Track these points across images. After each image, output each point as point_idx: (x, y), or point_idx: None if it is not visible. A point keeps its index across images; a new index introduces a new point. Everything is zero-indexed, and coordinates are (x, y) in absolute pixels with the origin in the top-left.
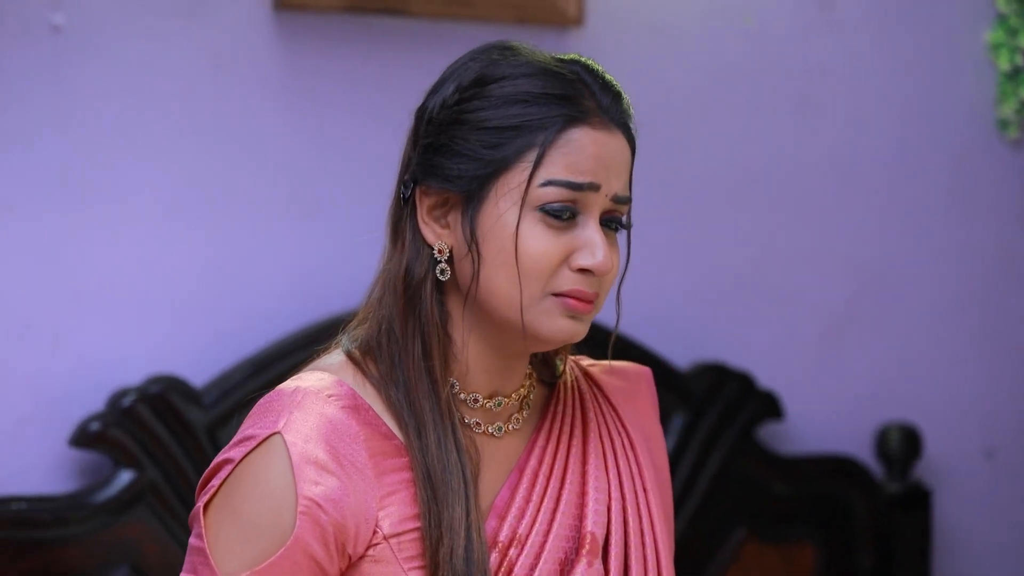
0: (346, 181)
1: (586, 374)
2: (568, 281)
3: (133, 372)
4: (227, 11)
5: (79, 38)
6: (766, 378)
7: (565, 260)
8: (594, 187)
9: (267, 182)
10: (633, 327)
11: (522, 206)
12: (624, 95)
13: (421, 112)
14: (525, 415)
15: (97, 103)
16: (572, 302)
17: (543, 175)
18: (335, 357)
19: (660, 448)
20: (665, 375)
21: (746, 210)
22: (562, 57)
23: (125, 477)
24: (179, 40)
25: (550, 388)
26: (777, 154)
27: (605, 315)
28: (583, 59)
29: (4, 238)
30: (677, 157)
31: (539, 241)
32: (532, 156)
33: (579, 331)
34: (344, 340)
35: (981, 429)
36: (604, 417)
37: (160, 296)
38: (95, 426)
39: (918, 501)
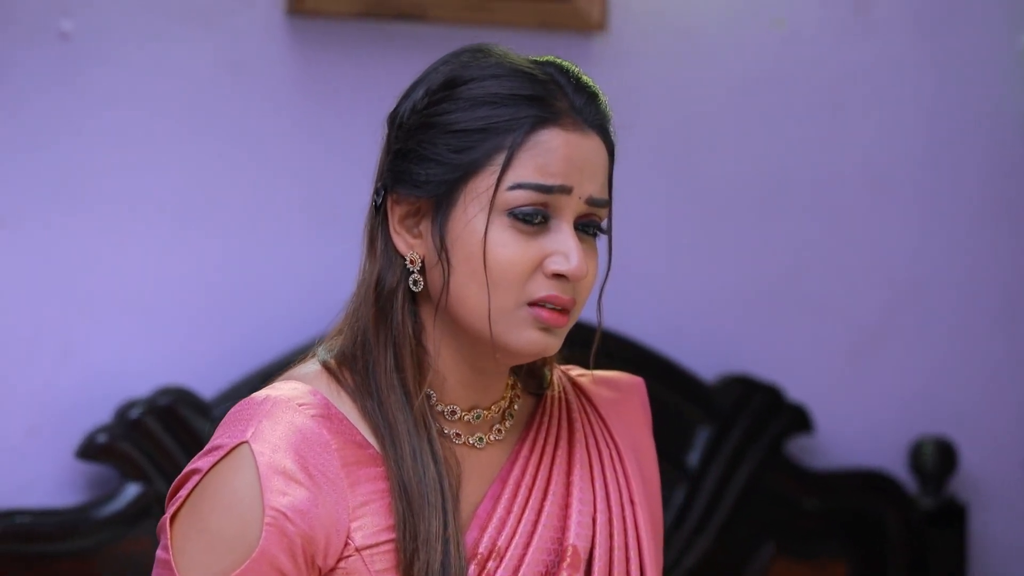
0: (360, 189)
1: (575, 384)
2: (543, 287)
3: (142, 383)
4: (240, 16)
5: (88, 44)
6: (795, 390)
7: (538, 267)
8: (565, 190)
9: (280, 190)
10: (657, 338)
11: (490, 211)
12: (601, 96)
13: (392, 118)
14: (508, 426)
15: (106, 110)
16: (546, 314)
17: (511, 178)
18: (310, 366)
19: (650, 460)
20: (690, 387)
21: (776, 218)
22: (537, 59)
23: (132, 490)
24: (191, 46)
25: (537, 399)
26: (809, 160)
27: (621, 322)
28: (559, 60)
29: (12, 247)
30: (705, 164)
31: (508, 248)
32: (500, 159)
33: (551, 344)
34: (320, 350)
35: (1018, 442)
36: (592, 428)
37: (170, 306)
38: (102, 438)
39: (953, 517)
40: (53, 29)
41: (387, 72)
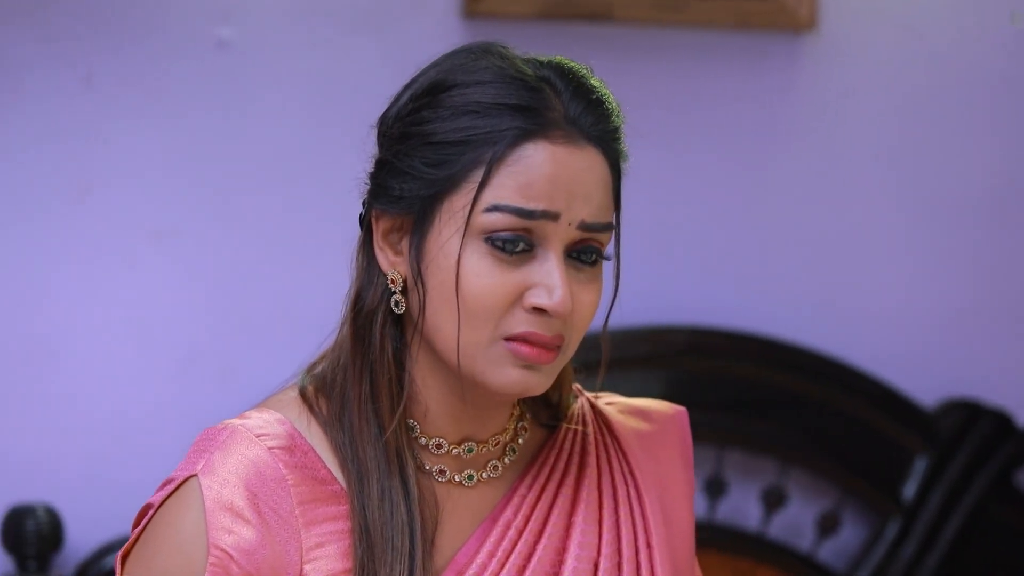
0: None
1: (599, 414)
2: (521, 322)
3: None
4: (411, 21)
5: (248, 54)
6: None
7: (517, 299)
8: (550, 215)
9: None
10: (871, 358)
11: (464, 234)
12: (609, 102)
13: (380, 123)
14: (507, 462)
15: (268, 123)
16: (525, 350)
17: (489, 198)
18: (289, 393)
19: (680, 499)
20: (907, 413)
21: (1012, 229)
22: (540, 60)
23: None
24: (358, 53)
25: (551, 431)
26: None
27: (829, 341)
28: (564, 62)
29: (168, 262)
30: (933, 172)
31: (483, 278)
32: (478, 175)
33: (534, 383)
34: (301, 375)
35: None
36: (609, 463)
37: (331, 324)
38: None
39: None
40: (210, 37)
41: None
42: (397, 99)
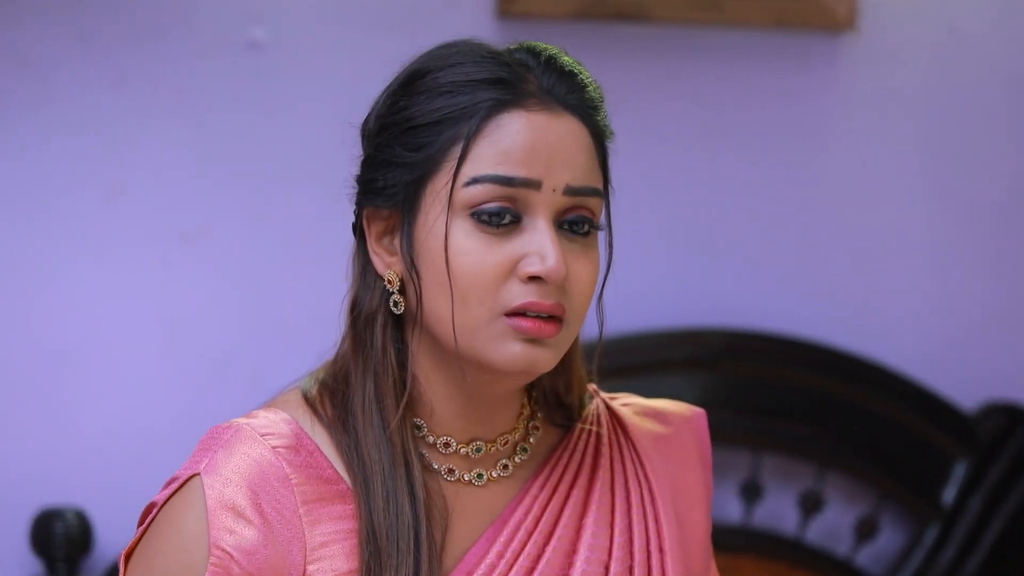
0: None
1: (614, 415)
2: (520, 294)
3: None
4: (444, 21)
5: (279, 54)
6: None
7: (512, 271)
8: (531, 183)
9: None
10: (910, 362)
11: (449, 212)
12: (583, 75)
13: (363, 127)
14: (518, 461)
15: (298, 124)
16: (526, 324)
17: (469, 171)
18: (293, 394)
19: (696, 502)
20: (947, 416)
21: None
22: (512, 46)
23: None
24: (392, 55)
25: (565, 431)
26: None
27: (869, 344)
28: (535, 43)
29: (198, 263)
30: (974, 174)
31: (472, 255)
32: (457, 151)
33: (540, 358)
34: (305, 380)
35: None
36: (623, 465)
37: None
38: None
39: None
40: (242, 38)
41: (605, 79)
42: (376, 101)
